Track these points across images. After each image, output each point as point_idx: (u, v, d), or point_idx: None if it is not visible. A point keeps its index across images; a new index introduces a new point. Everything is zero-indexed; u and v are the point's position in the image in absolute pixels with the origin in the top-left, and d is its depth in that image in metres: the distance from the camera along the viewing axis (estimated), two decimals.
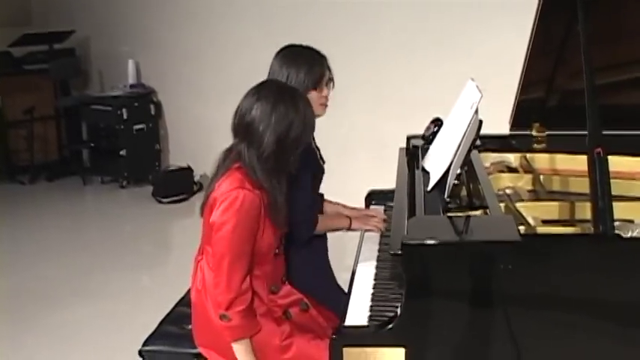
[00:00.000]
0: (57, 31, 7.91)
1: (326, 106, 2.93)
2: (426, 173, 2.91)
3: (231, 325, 2.48)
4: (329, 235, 3.08)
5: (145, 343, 2.83)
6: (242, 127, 2.52)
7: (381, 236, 3.02)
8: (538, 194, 2.94)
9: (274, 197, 2.52)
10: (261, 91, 2.55)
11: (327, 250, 3.08)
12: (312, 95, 2.82)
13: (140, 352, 2.81)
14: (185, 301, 3.15)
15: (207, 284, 2.57)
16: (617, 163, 2.79)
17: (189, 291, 3.19)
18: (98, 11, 8.10)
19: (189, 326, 2.91)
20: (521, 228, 2.43)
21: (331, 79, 2.93)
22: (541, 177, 3.01)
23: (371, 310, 2.41)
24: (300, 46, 2.96)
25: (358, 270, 2.75)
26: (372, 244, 2.97)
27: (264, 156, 2.49)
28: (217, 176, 2.57)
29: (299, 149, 2.57)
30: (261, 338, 2.54)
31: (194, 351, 2.74)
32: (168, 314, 3.02)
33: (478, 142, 2.88)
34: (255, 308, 2.55)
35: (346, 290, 2.65)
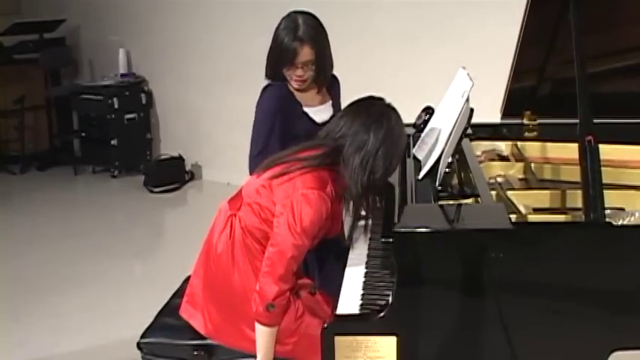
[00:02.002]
0: (47, 20, 7.87)
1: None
2: (417, 161, 2.91)
3: (273, 314, 2.48)
4: None
5: (142, 336, 2.81)
6: (356, 142, 2.49)
7: (373, 224, 3.02)
8: (529, 182, 2.95)
9: (357, 212, 2.56)
10: (381, 116, 2.54)
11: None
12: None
13: (138, 345, 2.80)
14: (180, 293, 3.14)
15: (238, 240, 2.59)
16: (608, 151, 2.79)
17: (184, 282, 3.19)
18: (88, 0, 8.07)
19: None
20: (513, 216, 2.44)
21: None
22: (532, 165, 3.02)
23: (362, 299, 2.41)
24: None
25: (349, 259, 2.74)
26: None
27: (374, 178, 2.49)
28: (300, 160, 2.54)
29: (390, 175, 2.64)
30: None
31: (193, 342, 2.73)
32: (165, 306, 3.01)
33: (469, 131, 2.89)
34: None
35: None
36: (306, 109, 3.18)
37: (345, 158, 2.50)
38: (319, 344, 2.46)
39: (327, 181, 2.50)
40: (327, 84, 3.27)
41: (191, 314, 2.73)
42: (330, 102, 3.27)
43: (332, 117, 3.17)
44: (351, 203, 2.53)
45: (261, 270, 2.50)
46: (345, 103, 3.36)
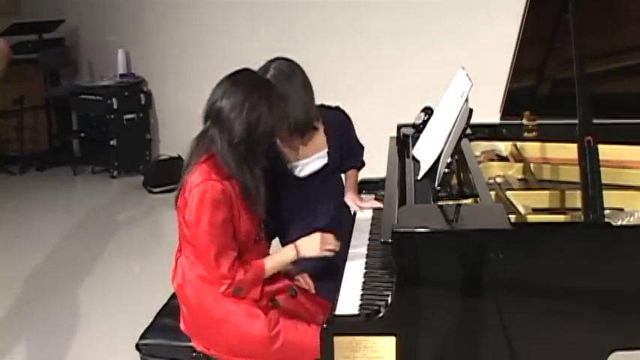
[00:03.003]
0: (46, 20, 7.86)
1: None
2: (416, 162, 2.91)
3: (245, 291, 2.56)
4: None
5: (141, 337, 2.81)
6: (213, 113, 2.56)
7: (372, 225, 3.02)
8: (528, 183, 2.94)
9: (245, 184, 2.54)
10: (236, 79, 2.59)
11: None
12: None
13: (137, 346, 2.80)
14: None
15: (192, 278, 2.63)
16: (607, 151, 2.79)
17: None
18: (88, 0, 8.06)
19: None
20: (512, 216, 2.44)
21: None
22: (531, 165, 3.01)
23: (362, 299, 2.41)
24: None
25: (349, 259, 2.74)
26: (362, 232, 2.96)
27: (234, 143, 2.51)
28: (189, 167, 2.58)
29: (269, 141, 2.64)
30: (249, 333, 2.56)
31: (191, 344, 2.74)
32: (163, 307, 3.01)
33: (469, 131, 2.89)
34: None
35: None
36: (290, 165, 3.19)
37: (210, 136, 2.55)
38: (305, 347, 2.49)
39: (209, 169, 2.51)
40: (312, 128, 3.21)
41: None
42: (326, 149, 3.26)
43: (325, 165, 3.22)
44: (234, 175, 2.53)
45: (208, 280, 2.57)
46: (349, 113, 3.37)
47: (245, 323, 2.56)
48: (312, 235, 2.69)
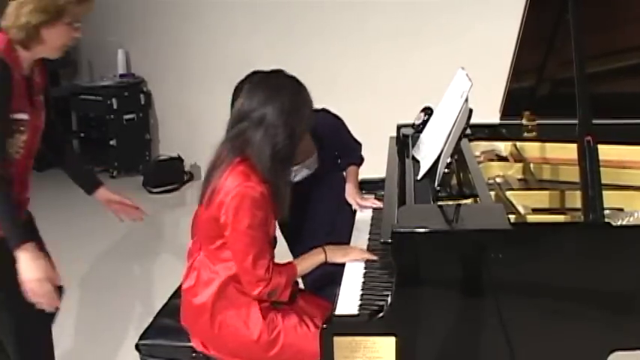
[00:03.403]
0: None
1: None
2: (416, 162, 2.91)
3: (279, 295, 2.56)
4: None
5: (141, 337, 2.81)
6: (255, 118, 2.51)
7: (372, 225, 3.02)
8: (528, 183, 2.95)
9: (277, 187, 2.54)
10: (278, 83, 2.57)
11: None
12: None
13: (137, 346, 2.80)
14: (179, 294, 3.13)
15: (206, 279, 2.62)
16: (607, 151, 2.79)
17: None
18: None
19: None
20: (512, 216, 2.44)
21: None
22: (531, 165, 3.01)
23: (361, 299, 2.41)
24: None
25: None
26: (362, 232, 2.96)
27: (277, 147, 2.50)
28: (218, 168, 2.56)
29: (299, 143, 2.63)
30: (248, 337, 2.56)
31: (191, 344, 2.73)
32: (163, 307, 3.01)
33: (468, 131, 2.89)
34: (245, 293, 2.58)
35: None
36: None
37: (248, 139, 2.52)
38: (304, 351, 2.51)
39: (247, 172, 2.50)
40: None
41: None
42: (315, 155, 3.27)
43: (318, 168, 3.22)
44: (267, 178, 2.52)
45: (241, 279, 2.55)
46: (348, 113, 3.37)
47: (244, 327, 2.56)
48: (344, 246, 2.78)
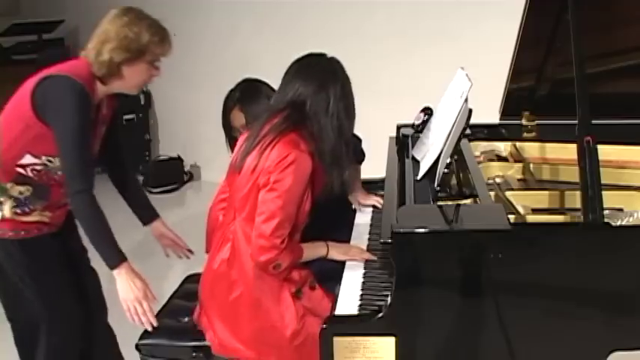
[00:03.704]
0: (46, 20, 7.86)
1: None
2: (416, 162, 2.91)
3: (283, 269, 2.52)
4: None
5: (141, 337, 2.80)
6: (319, 100, 2.56)
7: (371, 225, 3.02)
8: (528, 183, 2.95)
9: (336, 163, 2.59)
10: (334, 68, 2.67)
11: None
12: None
13: (137, 346, 2.79)
14: (179, 294, 3.13)
15: (242, 247, 2.59)
16: (606, 151, 2.79)
17: (182, 283, 3.18)
18: (87, 1, 8.05)
19: (186, 319, 2.90)
20: (511, 217, 2.44)
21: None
22: (531, 166, 3.01)
23: (361, 300, 2.41)
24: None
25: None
26: (362, 233, 2.96)
27: (341, 127, 2.58)
28: (266, 136, 2.55)
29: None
30: (279, 322, 2.53)
31: (192, 344, 2.74)
32: (163, 307, 3.01)
33: (468, 131, 2.89)
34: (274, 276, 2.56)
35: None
36: None
37: (310, 117, 2.55)
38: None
39: (299, 141, 2.52)
40: None
41: (205, 327, 2.73)
42: None
43: None
44: (328, 157, 2.56)
45: (252, 240, 2.51)
46: None
47: (277, 311, 2.54)
48: (347, 244, 2.78)
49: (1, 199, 2.75)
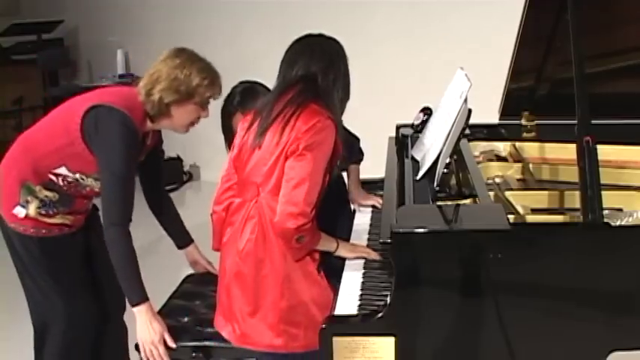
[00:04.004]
0: (45, 20, 7.87)
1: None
2: (415, 162, 2.91)
3: (304, 243, 2.48)
4: None
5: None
6: (330, 76, 2.61)
7: (371, 225, 3.02)
8: (527, 183, 2.94)
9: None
10: (339, 49, 2.74)
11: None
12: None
13: (137, 346, 2.79)
14: (178, 294, 3.13)
15: (269, 222, 2.53)
16: (606, 151, 2.79)
17: (182, 283, 3.18)
18: (87, 1, 8.06)
19: (185, 319, 2.91)
20: (511, 217, 2.44)
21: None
22: (530, 166, 3.01)
23: (360, 299, 2.41)
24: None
25: (348, 259, 2.74)
26: (361, 233, 2.96)
27: (343, 101, 2.66)
28: (283, 110, 2.55)
29: None
30: (308, 300, 2.53)
31: (191, 344, 2.74)
32: (162, 307, 3.00)
33: (467, 131, 2.89)
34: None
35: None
36: None
37: (324, 91, 2.58)
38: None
39: (321, 110, 2.53)
40: None
41: (222, 326, 2.68)
42: None
43: None
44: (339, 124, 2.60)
45: (278, 210, 2.46)
46: (348, 113, 3.37)
47: (306, 287, 2.53)
48: (353, 243, 2.77)
49: (28, 199, 2.81)
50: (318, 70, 2.59)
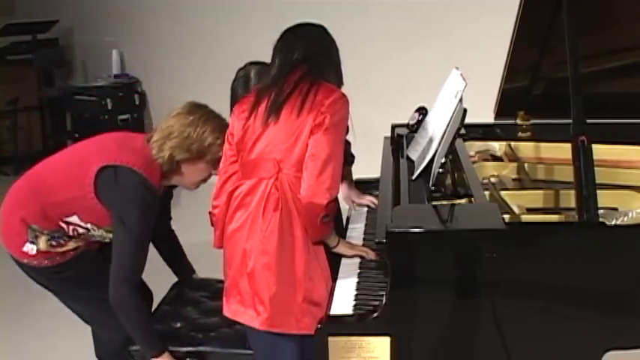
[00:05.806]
0: (40, 20, 7.85)
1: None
2: (410, 162, 2.91)
3: (328, 224, 2.47)
4: None
5: (133, 343, 2.76)
6: (325, 63, 2.65)
7: (366, 225, 3.01)
8: (523, 183, 2.95)
9: None
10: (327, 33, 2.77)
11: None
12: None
13: (130, 352, 2.78)
14: (168, 299, 3.11)
15: (292, 197, 2.49)
16: (601, 151, 2.79)
17: (172, 288, 3.16)
18: (82, 1, 8.05)
19: (177, 324, 2.90)
20: (506, 216, 2.44)
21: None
22: (525, 165, 3.02)
23: (356, 299, 2.41)
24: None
25: (343, 259, 2.73)
26: (357, 233, 2.96)
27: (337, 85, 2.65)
28: (297, 87, 2.54)
29: None
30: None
31: (184, 349, 2.74)
32: (153, 313, 2.98)
33: (463, 131, 2.89)
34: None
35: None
36: None
37: (324, 74, 2.60)
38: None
39: (334, 87, 2.56)
40: None
41: (240, 313, 2.57)
42: None
43: None
44: None
45: (306, 185, 2.43)
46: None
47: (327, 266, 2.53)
48: (352, 242, 2.76)
49: (37, 234, 2.77)
50: (317, 52, 2.62)
